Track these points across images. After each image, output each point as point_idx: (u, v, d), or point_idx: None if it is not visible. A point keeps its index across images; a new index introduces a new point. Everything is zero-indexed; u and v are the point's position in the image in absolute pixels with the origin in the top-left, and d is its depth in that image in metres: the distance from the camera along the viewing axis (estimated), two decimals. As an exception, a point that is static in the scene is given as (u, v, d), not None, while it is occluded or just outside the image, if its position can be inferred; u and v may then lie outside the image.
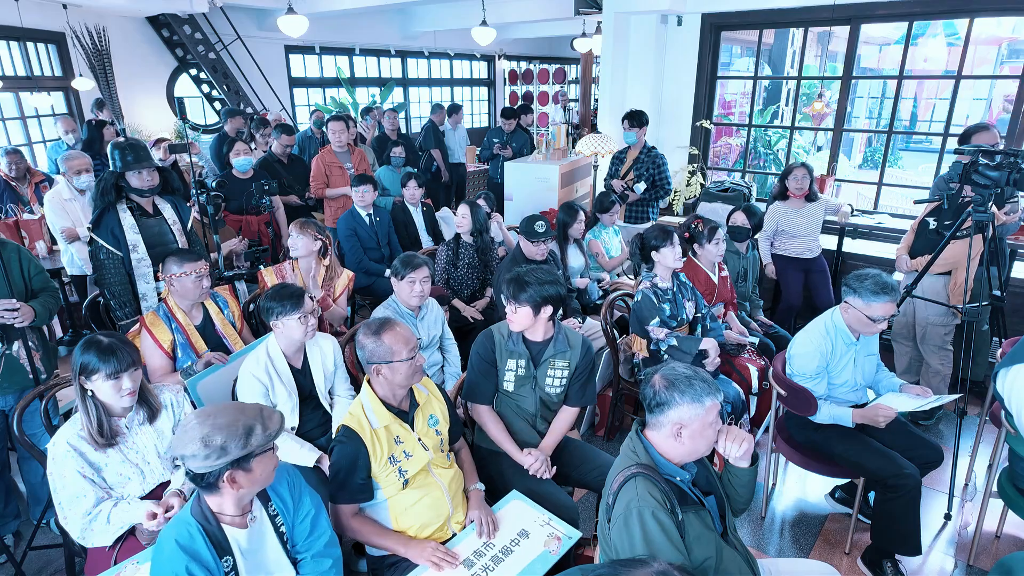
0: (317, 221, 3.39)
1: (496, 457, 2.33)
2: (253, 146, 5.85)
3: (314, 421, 2.51)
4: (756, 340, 3.52)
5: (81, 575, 2.23)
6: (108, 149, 3.04)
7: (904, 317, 3.59)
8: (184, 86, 8.78)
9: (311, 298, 2.54)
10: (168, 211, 3.20)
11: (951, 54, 10.06)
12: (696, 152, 5.96)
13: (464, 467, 2.20)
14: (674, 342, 3.00)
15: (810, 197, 4.13)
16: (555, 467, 2.30)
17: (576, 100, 11.98)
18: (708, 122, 5.92)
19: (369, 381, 2.02)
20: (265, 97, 9.06)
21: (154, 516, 1.88)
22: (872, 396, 2.71)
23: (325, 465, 2.30)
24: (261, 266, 3.41)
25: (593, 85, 9.71)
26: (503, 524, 2.00)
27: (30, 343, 2.51)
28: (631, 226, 4.87)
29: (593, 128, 8.05)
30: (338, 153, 5.09)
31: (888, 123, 5.58)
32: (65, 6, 6.89)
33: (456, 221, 4.00)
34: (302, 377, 2.49)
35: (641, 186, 4.80)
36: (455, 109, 7.75)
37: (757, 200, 5.39)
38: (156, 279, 3.08)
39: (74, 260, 4.18)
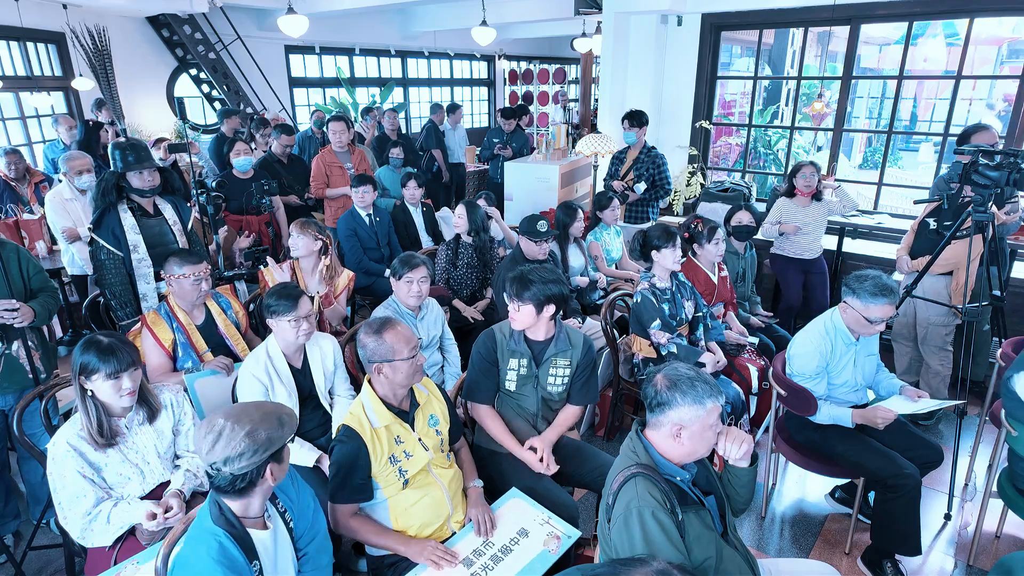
0: (318, 221, 3.39)
1: (496, 457, 2.33)
2: (253, 146, 5.85)
3: (314, 421, 2.52)
4: (756, 340, 3.52)
5: (81, 575, 2.23)
6: (109, 149, 3.04)
7: (905, 318, 3.59)
8: (184, 86, 8.78)
9: (311, 298, 2.54)
10: (169, 211, 3.20)
11: (951, 54, 10.06)
12: (696, 152, 5.96)
13: (464, 465, 2.20)
14: (674, 349, 3.00)
15: (816, 196, 4.14)
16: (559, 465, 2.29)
17: (576, 100, 11.98)
18: (708, 122, 5.92)
19: (370, 381, 2.02)
20: (265, 97, 9.06)
21: (154, 516, 1.88)
22: (872, 396, 2.71)
23: (325, 465, 2.30)
24: (261, 266, 3.41)
25: (593, 85, 9.71)
26: (503, 523, 1.99)
27: (29, 343, 2.51)
28: (631, 226, 4.87)
29: (593, 128, 8.05)
30: (338, 153, 5.09)
31: (888, 123, 5.58)
32: (65, 6, 6.89)
33: (453, 221, 4.00)
34: (302, 377, 2.49)
35: (641, 186, 4.80)
36: (453, 108, 7.75)
37: (757, 200, 5.39)
38: (157, 279, 3.09)
39: (74, 260, 4.18)
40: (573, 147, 6.57)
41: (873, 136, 10.90)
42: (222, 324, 2.79)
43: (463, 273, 3.88)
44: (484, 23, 6.62)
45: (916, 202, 3.60)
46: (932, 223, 3.41)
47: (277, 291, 2.44)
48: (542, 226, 3.40)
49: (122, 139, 3.14)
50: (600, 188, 5.27)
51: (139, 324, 2.69)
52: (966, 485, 2.78)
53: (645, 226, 4.53)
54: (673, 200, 5.91)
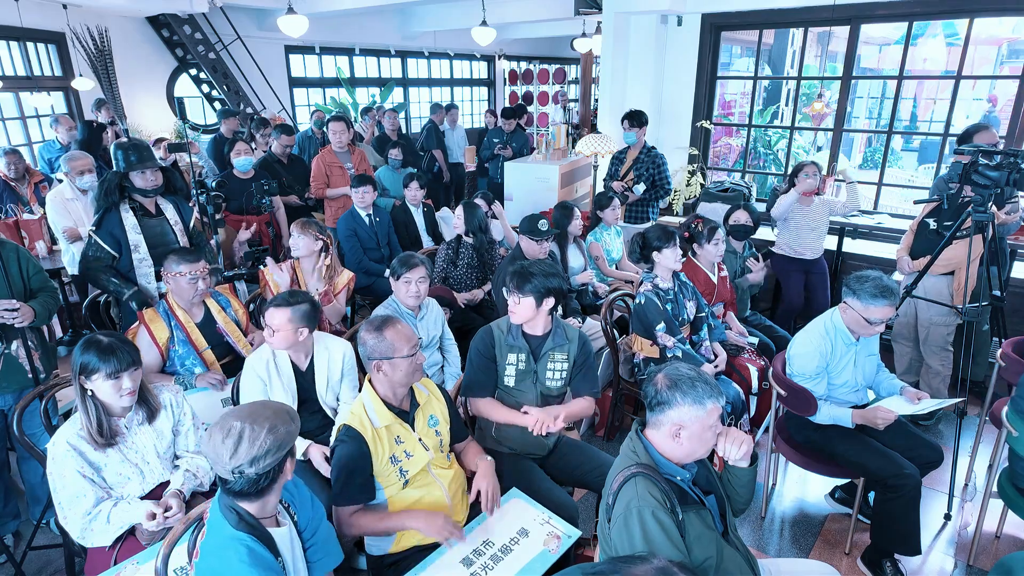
0: (318, 221, 3.40)
1: (496, 457, 2.33)
2: (253, 146, 5.85)
3: (312, 424, 2.47)
4: (756, 340, 3.52)
5: (81, 575, 2.23)
6: (112, 149, 3.05)
7: (905, 318, 3.59)
8: (184, 86, 8.78)
9: (312, 300, 2.53)
10: (170, 211, 3.21)
11: (951, 54, 10.06)
12: (696, 152, 5.96)
13: (470, 449, 2.20)
14: (679, 353, 3.00)
15: (818, 195, 4.14)
16: (562, 426, 2.25)
17: (576, 100, 11.98)
18: (708, 122, 5.92)
19: (371, 380, 2.02)
20: (265, 97, 9.06)
21: (153, 516, 1.88)
22: (872, 397, 2.71)
23: (315, 454, 2.27)
24: (261, 266, 3.41)
25: (593, 85, 9.70)
26: (503, 523, 1.99)
27: (29, 343, 2.51)
28: (631, 226, 4.87)
29: (593, 128, 8.05)
30: (338, 153, 5.09)
31: (888, 123, 5.58)
32: (65, 6, 6.89)
33: (452, 222, 4.01)
34: (303, 378, 2.47)
35: (640, 187, 4.80)
36: (449, 108, 7.76)
37: (757, 200, 5.39)
38: (158, 279, 3.09)
39: (75, 260, 4.17)
40: (573, 147, 6.57)
41: (873, 136, 10.90)
42: (221, 322, 2.80)
43: (463, 273, 3.88)
44: (484, 23, 6.62)
45: (916, 202, 3.60)
46: (932, 223, 3.41)
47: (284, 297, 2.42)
48: (543, 225, 3.41)
49: (124, 139, 3.14)
50: (600, 188, 5.27)
51: (137, 324, 2.70)
52: (966, 485, 2.78)
53: (645, 226, 4.53)
54: (673, 200, 5.91)
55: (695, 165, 5.93)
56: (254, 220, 4.67)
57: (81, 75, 7.16)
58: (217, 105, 8.77)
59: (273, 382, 2.39)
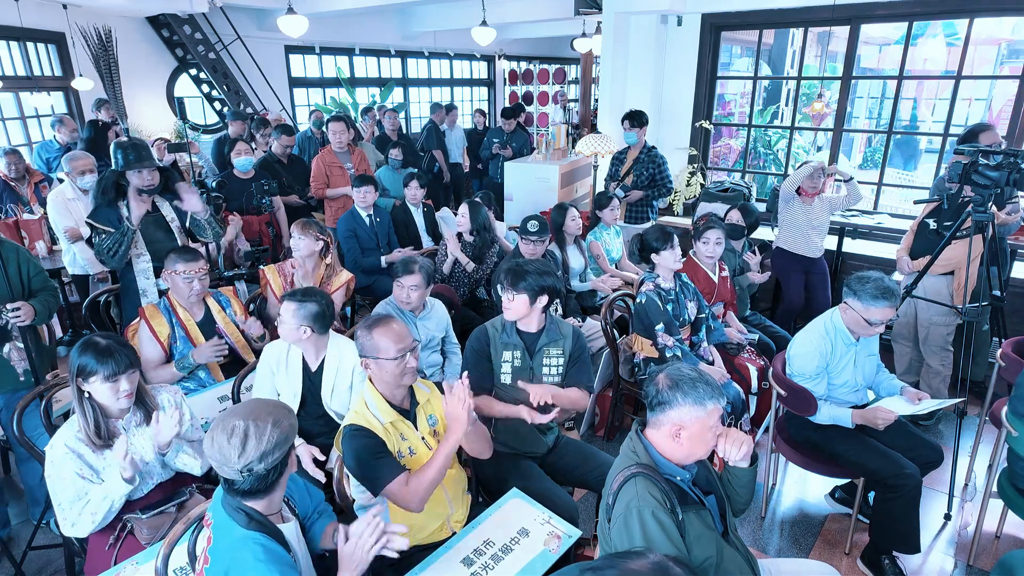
0: (319, 221, 3.40)
1: (496, 457, 2.33)
2: (253, 146, 5.85)
3: (314, 427, 2.43)
4: (756, 336, 3.53)
5: (81, 575, 2.23)
6: (111, 148, 3.06)
7: (905, 318, 3.59)
8: (184, 86, 8.77)
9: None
10: (167, 209, 3.21)
11: (951, 54, 10.05)
12: (696, 152, 5.96)
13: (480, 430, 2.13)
14: (679, 353, 3.01)
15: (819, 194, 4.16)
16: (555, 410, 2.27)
17: (576, 100, 11.98)
18: (708, 122, 5.92)
19: (371, 379, 2.01)
20: (265, 97, 9.06)
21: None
22: (872, 397, 2.71)
23: (304, 454, 2.23)
24: (261, 266, 3.41)
25: (593, 85, 9.70)
26: (503, 523, 1.99)
27: (20, 345, 2.50)
28: (631, 226, 4.87)
29: (593, 128, 8.05)
30: (338, 153, 5.09)
31: (888, 123, 5.58)
32: (65, 6, 6.89)
33: (456, 220, 4.01)
34: (310, 378, 2.45)
35: (637, 194, 4.82)
36: (449, 108, 7.77)
37: (757, 200, 5.40)
38: (157, 276, 3.09)
39: (75, 260, 4.18)
40: (573, 147, 6.57)
41: (873, 136, 10.90)
42: (221, 322, 2.80)
43: (461, 270, 3.90)
44: (484, 23, 6.61)
45: (916, 202, 3.60)
46: (932, 223, 3.41)
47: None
48: (532, 226, 3.43)
49: (123, 138, 3.15)
50: (600, 188, 5.27)
51: (137, 318, 2.70)
52: (966, 485, 2.78)
53: (645, 227, 4.54)
54: (673, 200, 5.91)
55: (695, 165, 5.93)
56: (254, 221, 4.68)
57: (81, 75, 7.16)
58: (217, 105, 8.78)
59: (280, 375, 2.40)
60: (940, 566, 2.62)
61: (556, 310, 3.39)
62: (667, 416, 1.59)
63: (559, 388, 2.34)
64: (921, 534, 2.43)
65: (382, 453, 1.88)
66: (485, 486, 2.39)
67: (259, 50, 8.93)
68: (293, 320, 2.34)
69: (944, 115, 5.14)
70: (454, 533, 1.98)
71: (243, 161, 4.62)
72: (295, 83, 10.00)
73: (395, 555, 1.58)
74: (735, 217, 3.89)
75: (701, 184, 5.86)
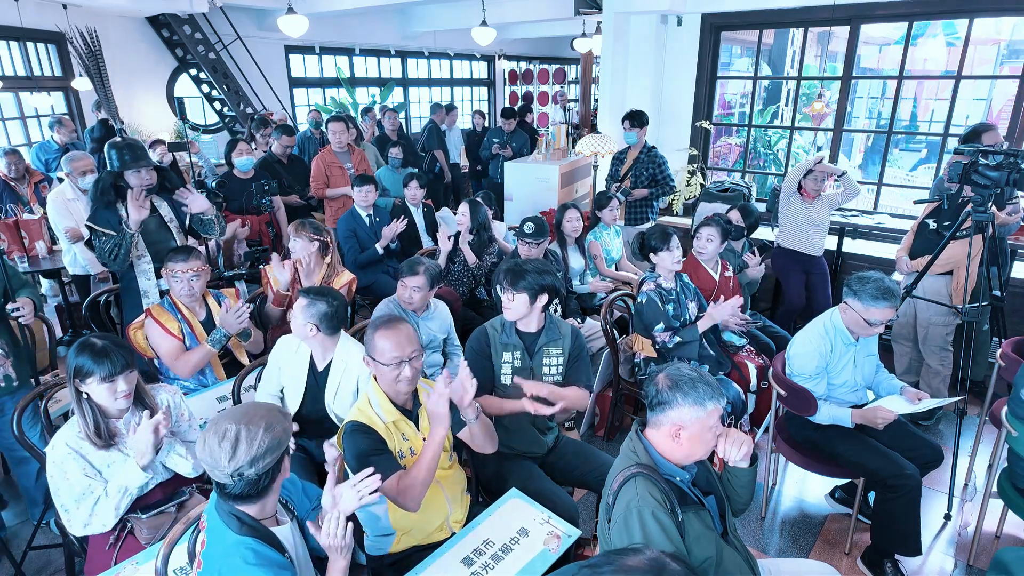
0: (316, 221, 3.39)
1: (496, 457, 2.33)
2: (253, 146, 5.85)
3: (311, 427, 2.43)
4: (745, 342, 3.50)
5: (81, 575, 2.23)
6: (106, 149, 3.05)
7: (905, 318, 3.59)
8: (184, 86, 8.77)
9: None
10: (165, 209, 3.21)
11: (951, 54, 10.04)
12: (696, 152, 5.96)
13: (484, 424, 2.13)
14: (678, 338, 3.02)
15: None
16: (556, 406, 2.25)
17: (576, 100, 11.98)
18: (708, 122, 5.92)
19: (375, 377, 2.01)
20: (265, 97, 9.06)
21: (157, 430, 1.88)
22: (872, 397, 2.71)
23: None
24: (261, 265, 3.41)
25: (593, 85, 9.70)
26: (503, 523, 1.99)
27: (2, 352, 2.51)
28: (631, 227, 4.87)
29: (593, 128, 8.05)
30: (338, 153, 5.09)
31: (888, 123, 5.58)
32: (65, 6, 6.89)
33: (457, 219, 4.01)
34: (315, 377, 2.43)
35: (641, 191, 4.82)
36: (449, 109, 7.77)
37: (757, 200, 5.40)
38: (157, 276, 3.10)
39: (76, 260, 4.18)
40: (573, 147, 6.57)
41: (872, 136, 10.90)
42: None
43: (460, 270, 3.91)
44: (484, 23, 6.62)
45: (916, 202, 3.60)
46: (932, 223, 3.41)
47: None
48: (528, 227, 3.44)
49: (117, 139, 3.14)
50: (600, 188, 5.27)
51: (142, 318, 2.70)
52: (966, 485, 2.78)
53: (645, 227, 4.54)
54: (673, 200, 5.91)
55: (695, 165, 5.93)
56: (254, 221, 4.68)
57: (81, 75, 7.16)
58: (217, 105, 8.78)
59: (286, 370, 2.40)
60: (940, 566, 2.62)
61: (555, 310, 3.39)
62: (667, 416, 1.59)
63: (559, 387, 2.34)
64: (921, 534, 2.43)
65: (381, 450, 1.88)
66: (485, 486, 2.39)
67: (259, 50, 8.93)
68: (301, 316, 2.35)
69: (944, 115, 5.14)
70: (454, 533, 1.98)
71: (244, 161, 4.62)
72: (295, 83, 10.00)
73: (374, 498, 1.61)
74: (735, 217, 3.92)
75: (701, 184, 5.87)
